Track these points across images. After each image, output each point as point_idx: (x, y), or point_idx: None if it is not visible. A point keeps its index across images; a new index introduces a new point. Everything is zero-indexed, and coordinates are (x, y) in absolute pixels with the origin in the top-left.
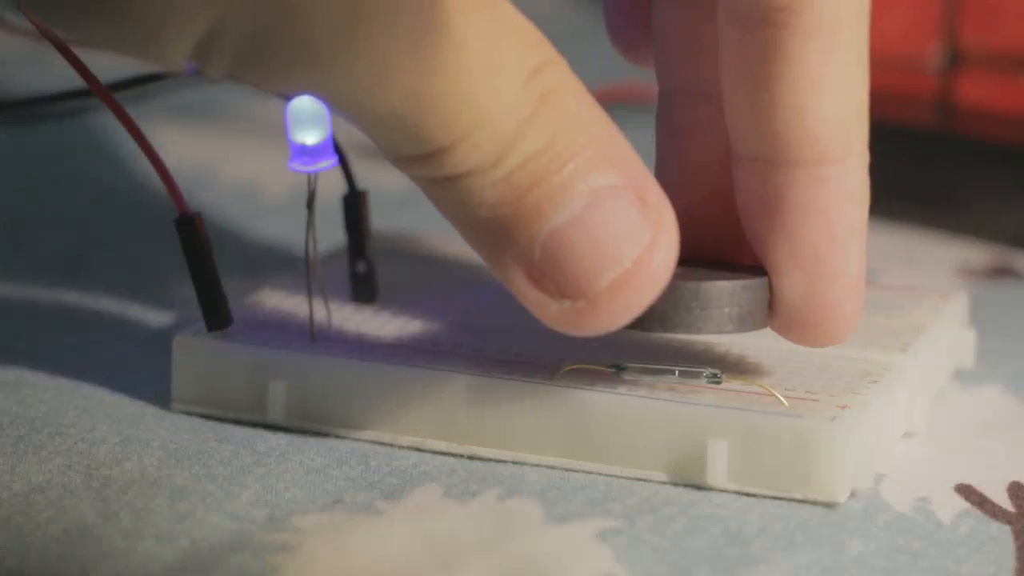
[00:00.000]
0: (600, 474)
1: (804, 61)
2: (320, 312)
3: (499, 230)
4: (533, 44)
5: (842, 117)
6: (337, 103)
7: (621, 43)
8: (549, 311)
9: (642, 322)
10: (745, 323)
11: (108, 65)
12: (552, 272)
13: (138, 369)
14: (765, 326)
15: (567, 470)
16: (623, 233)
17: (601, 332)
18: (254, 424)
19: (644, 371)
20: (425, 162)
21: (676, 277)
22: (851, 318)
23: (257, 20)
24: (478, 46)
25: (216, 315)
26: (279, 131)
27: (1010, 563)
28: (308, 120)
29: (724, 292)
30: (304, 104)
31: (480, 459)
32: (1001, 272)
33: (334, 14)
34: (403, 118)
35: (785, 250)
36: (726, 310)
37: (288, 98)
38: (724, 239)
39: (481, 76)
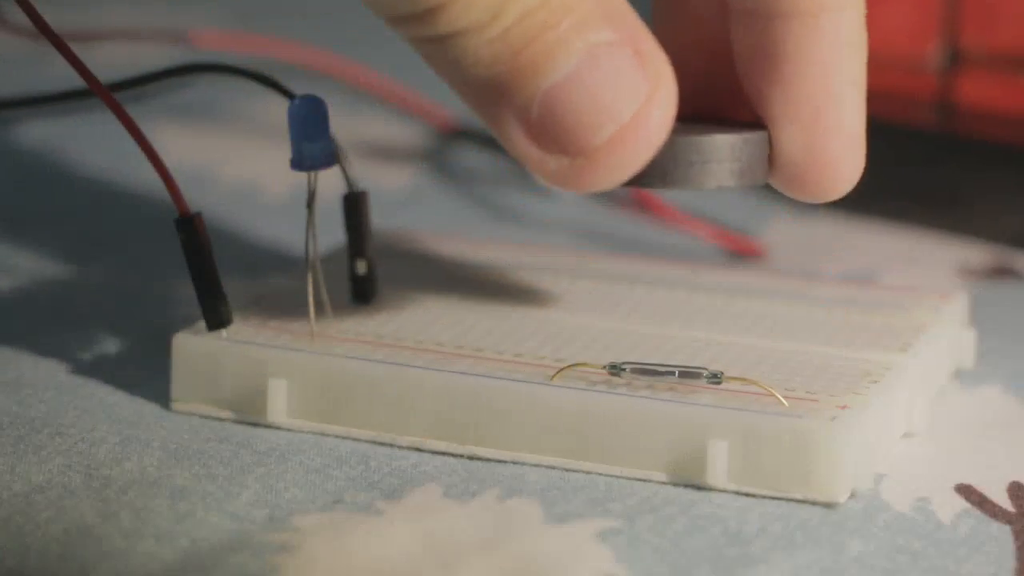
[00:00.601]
0: (600, 474)
1: None
2: (320, 312)
3: (496, 88)
4: None
5: None
6: None
7: None
8: (548, 168)
9: (642, 178)
10: (745, 177)
11: (108, 65)
12: (550, 129)
13: (138, 369)
14: (765, 181)
15: (567, 470)
16: (621, 88)
17: (600, 188)
18: (254, 424)
19: (643, 371)
20: (420, 21)
21: (675, 132)
22: (851, 171)
23: None
24: None
25: (216, 315)
26: (279, 131)
27: (1010, 563)
28: (308, 120)
29: (725, 145)
30: (304, 104)
31: (480, 459)
32: (1001, 272)
33: None
34: None
35: (783, 103)
36: (727, 164)
37: (289, 96)
38: (721, 96)
39: None
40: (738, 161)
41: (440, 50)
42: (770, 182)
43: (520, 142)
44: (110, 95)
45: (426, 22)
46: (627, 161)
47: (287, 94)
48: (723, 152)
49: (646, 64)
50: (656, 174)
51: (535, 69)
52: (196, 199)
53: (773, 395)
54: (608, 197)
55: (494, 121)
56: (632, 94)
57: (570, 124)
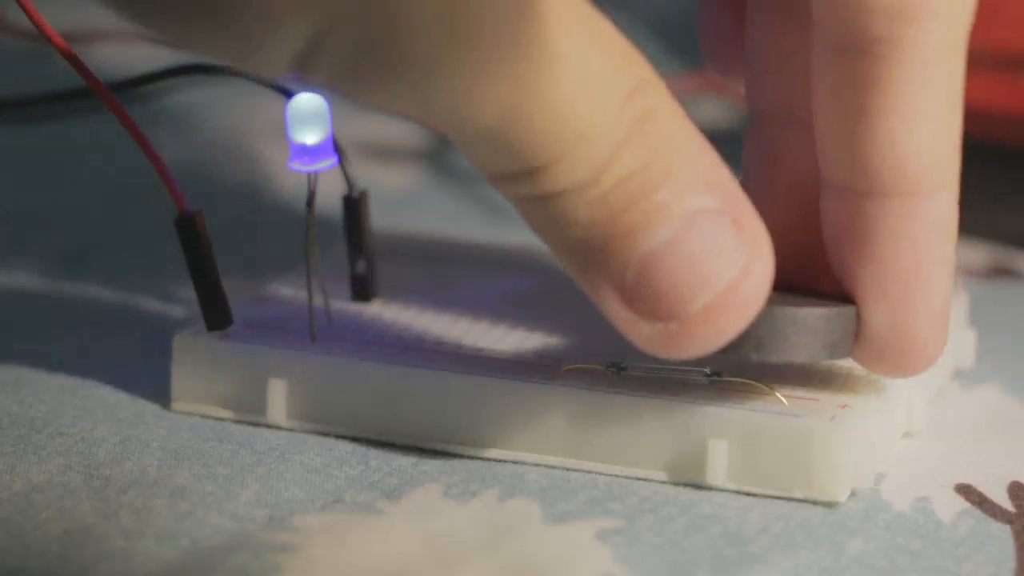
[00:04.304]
0: (600, 474)
1: (900, 93)
2: (320, 312)
3: (592, 251)
4: (631, 64)
5: (935, 150)
6: (436, 118)
7: (714, 63)
8: (641, 333)
9: (736, 346)
10: (836, 351)
11: (108, 65)
12: (645, 294)
13: (138, 369)
14: (851, 355)
15: (567, 470)
16: (718, 256)
17: (695, 355)
18: (254, 424)
19: (644, 371)
20: (520, 180)
21: (768, 303)
22: (935, 350)
23: (359, 32)
24: (577, 64)
25: (216, 315)
26: (279, 131)
27: (1010, 563)
28: (308, 120)
29: (820, 320)
30: (304, 104)
31: (480, 459)
32: (1001, 272)
33: (436, 28)
34: (500, 135)
35: (873, 281)
36: (820, 338)
37: (289, 95)
38: (807, 266)
39: (580, 95)
40: (830, 335)
41: (539, 209)
42: (853, 357)
43: (614, 306)
44: (110, 95)
45: (527, 181)
46: (722, 329)
47: (287, 94)
48: (818, 326)
49: (744, 232)
50: (750, 343)
51: (633, 234)
52: (196, 199)
53: (773, 395)
54: None
55: (589, 284)
56: (730, 263)
57: (666, 291)
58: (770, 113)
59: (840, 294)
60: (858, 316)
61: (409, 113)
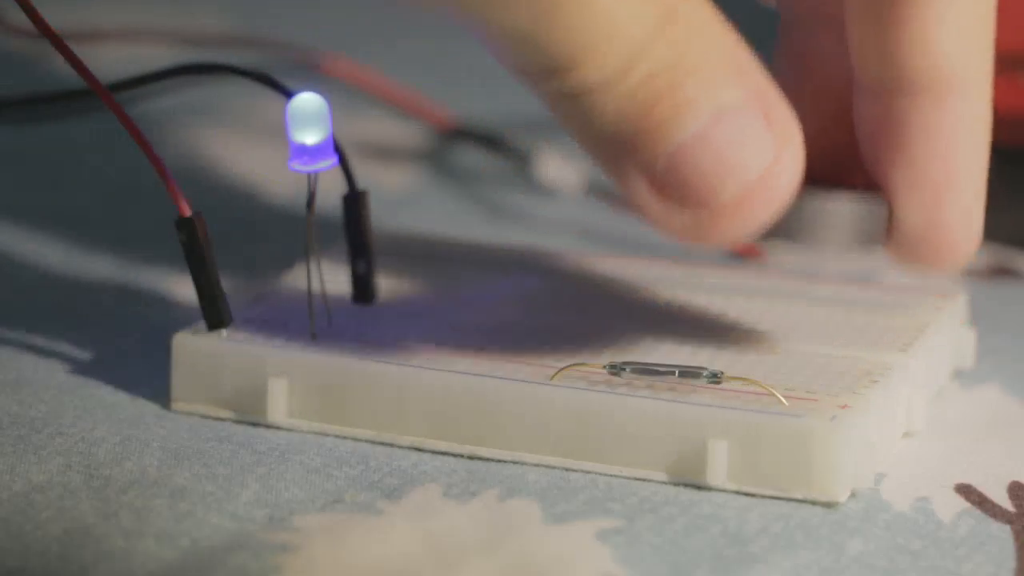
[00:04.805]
0: (600, 474)
1: None
2: (320, 312)
3: (622, 144)
4: None
5: (967, 47)
6: (467, 17)
7: None
8: (672, 222)
9: (769, 235)
10: (867, 243)
11: (108, 65)
12: (675, 185)
13: (138, 369)
14: (882, 248)
15: (567, 470)
16: (748, 148)
17: (725, 243)
18: (254, 424)
19: (644, 371)
20: (551, 76)
21: (799, 193)
22: (968, 245)
23: None
24: None
25: (216, 315)
26: (279, 131)
27: (1010, 563)
28: (308, 120)
29: (851, 210)
30: (304, 104)
31: (480, 459)
32: (1001, 272)
33: None
34: (531, 31)
35: (905, 177)
36: (851, 229)
37: (289, 95)
38: (840, 165)
39: None
40: (861, 226)
41: (569, 105)
42: (885, 250)
43: (644, 196)
44: (110, 95)
45: (557, 77)
46: (752, 218)
47: (287, 94)
48: (849, 217)
49: (774, 124)
50: (781, 232)
51: (663, 127)
52: (196, 199)
53: (773, 395)
54: (608, 197)
55: (619, 175)
56: (759, 154)
57: (696, 182)
58: (801, 15)
59: (872, 191)
60: (890, 211)
61: (441, 11)
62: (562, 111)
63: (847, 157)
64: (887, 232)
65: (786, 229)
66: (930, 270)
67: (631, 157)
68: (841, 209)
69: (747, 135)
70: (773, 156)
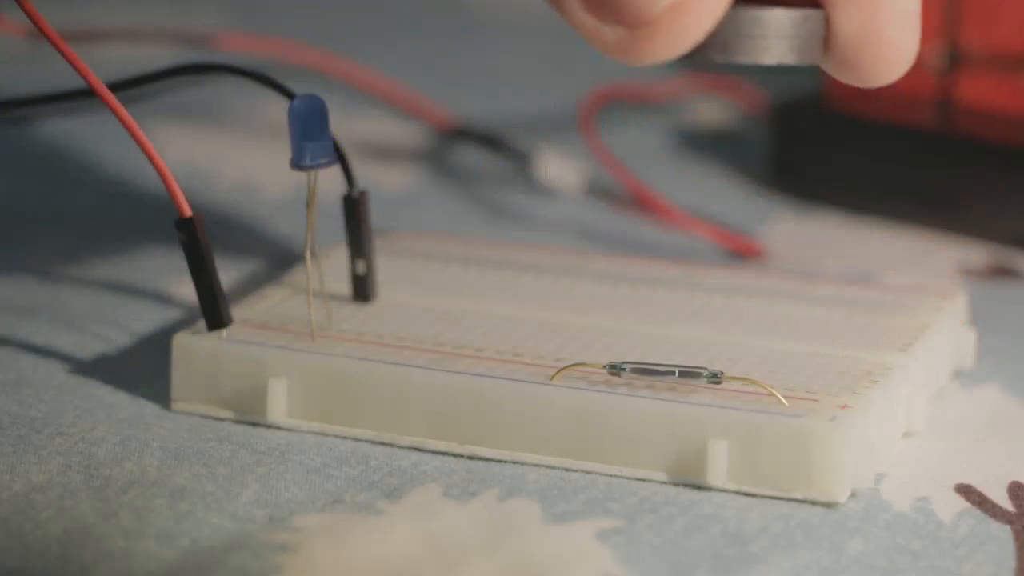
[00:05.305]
0: (600, 474)
1: None
2: (320, 312)
3: None
4: None
5: None
6: None
7: None
8: (605, 38)
9: (701, 50)
10: (804, 54)
11: (108, 65)
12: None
13: (138, 369)
14: (819, 60)
15: (567, 470)
16: None
17: (659, 59)
18: (254, 424)
19: (643, 371)
20: None
21: (734, 5)
22: (907, 52)
23: None
24: None
25: (216, 315)
26: (279, 131)
27: (1010, 563)
28: (308, 120)
29: (785, 20)
30: (304, 104)
31: (480, 459)
32: (1001, 272)
33: None
34: None
35: None
36: (786, 40)
37: (289, 95)
38: None
39: None
40: (798, 38)
41: None
42: (822, 64)
43: (576, 11)
44: (110, 95)
45: None
46: (686, 32)
47: (287, 94)
48: (784, 27)
49: None
50: (715, 46)
51: None
52: (196, 199)
53: (773, 395)
54: (608, 197)
55: None
56: None
57: None
58: None
59: (807, 1)
60: (826, 20)
61: None
62: None
63: None
64: (824, 43)
65: (721, 43)
66: (866, 82)
67: None
68: (776, 19)
69: None
70: None
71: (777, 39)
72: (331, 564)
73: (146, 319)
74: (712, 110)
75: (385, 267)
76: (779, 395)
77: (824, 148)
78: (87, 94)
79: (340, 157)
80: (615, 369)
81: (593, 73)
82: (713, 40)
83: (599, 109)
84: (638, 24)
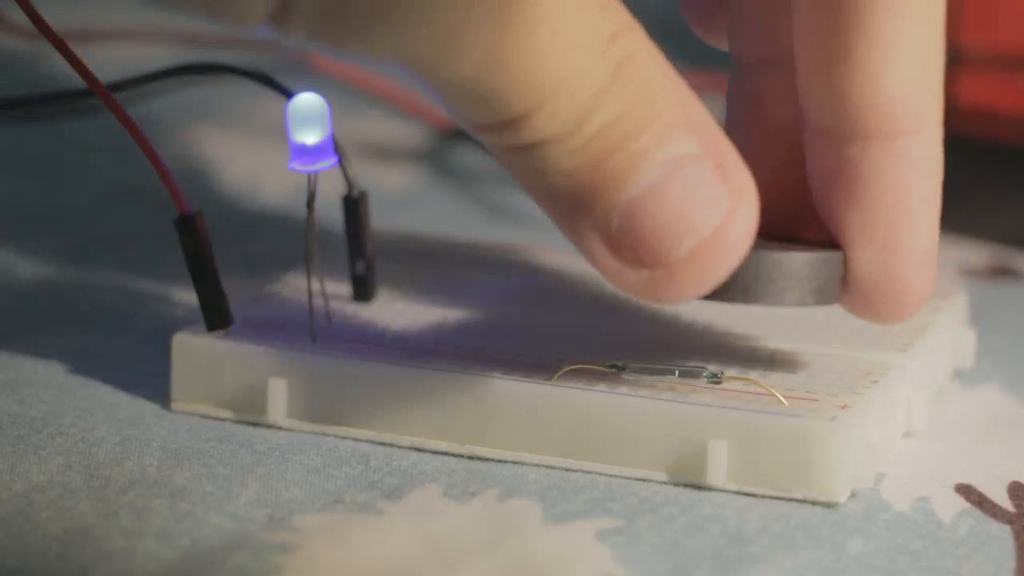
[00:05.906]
0: (600, 474)
1: (879, 31)
2: (320, 312)
3: (576, 199)
4: (610, 9)
5: (917, 88)
6: (415, 68)
7: (694, 16)
8: (627, 280)
9: (722, 292)
10: (823, 296)
11: (108, 65)
12: (630, 241)
13: (138, 369)
14: (839, 300)
15: (567, 470)
16: (702, 201)
17: (680, 301)
18: (254, 424)
19: (644, 371)
20: (501, 130)
21: (754, 248)
22: (923, 291)
23: None
24: (556, 12)
25: (216, 315)
26: (279, 131)
27: (1010, 563)
28: (308, 120)
29: (806, 264)
30: (304, 104)
31: (480, 459)
32: (1001, 272)
33: None
34: (480, 84)
35: (858, 224)
36: (806, 283)
37: (288, 95)
38: (793, 212)
39: (559, 42)
40: (817, 280)
41: (521, 159)
42: (841, 303)
43: (599, 254)
44: (110, 95)
45: (508, 131)
46: (707, 275)
47: (287, 94)
48: (804, 271)
49: (728, 177)
50: (736, 289)
51: (616, 181)
52: (196, 199)
53: (773, 395)
54: None
55: (574, 232)
56: (714, 207)
57: (650, 237)
58: (753, 59)
59: (827, 240)
60: (845, 261)
61: (388, 63)
62: (514, 165)
63: (801, 205)
64: (843, 284)
65: (742, 286)
66: (885, 321)
67: (585, 213)
68: (796, 263)
69: (701, 188)
70: (728, 208)
71: (797, 281)
72: (331, 564)
73: (146, 319)
74: (712, 110)
75: (385, 267)
76: (779, 395)
77: None
78: (87, 94)
79: (340, 157)
80: (615, 369)
81: None
82: (734, 283)
83: None
84: (659, 267)
